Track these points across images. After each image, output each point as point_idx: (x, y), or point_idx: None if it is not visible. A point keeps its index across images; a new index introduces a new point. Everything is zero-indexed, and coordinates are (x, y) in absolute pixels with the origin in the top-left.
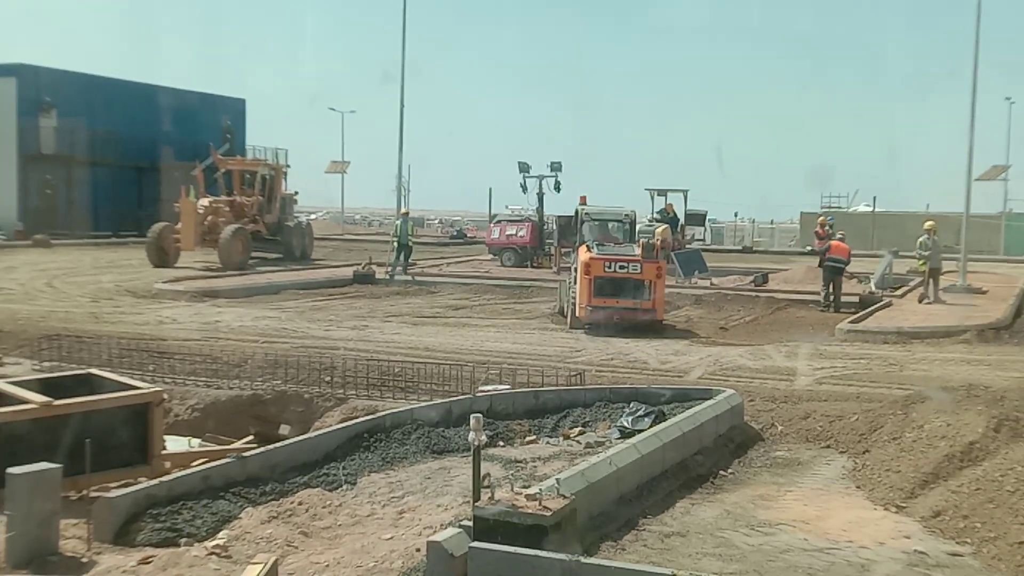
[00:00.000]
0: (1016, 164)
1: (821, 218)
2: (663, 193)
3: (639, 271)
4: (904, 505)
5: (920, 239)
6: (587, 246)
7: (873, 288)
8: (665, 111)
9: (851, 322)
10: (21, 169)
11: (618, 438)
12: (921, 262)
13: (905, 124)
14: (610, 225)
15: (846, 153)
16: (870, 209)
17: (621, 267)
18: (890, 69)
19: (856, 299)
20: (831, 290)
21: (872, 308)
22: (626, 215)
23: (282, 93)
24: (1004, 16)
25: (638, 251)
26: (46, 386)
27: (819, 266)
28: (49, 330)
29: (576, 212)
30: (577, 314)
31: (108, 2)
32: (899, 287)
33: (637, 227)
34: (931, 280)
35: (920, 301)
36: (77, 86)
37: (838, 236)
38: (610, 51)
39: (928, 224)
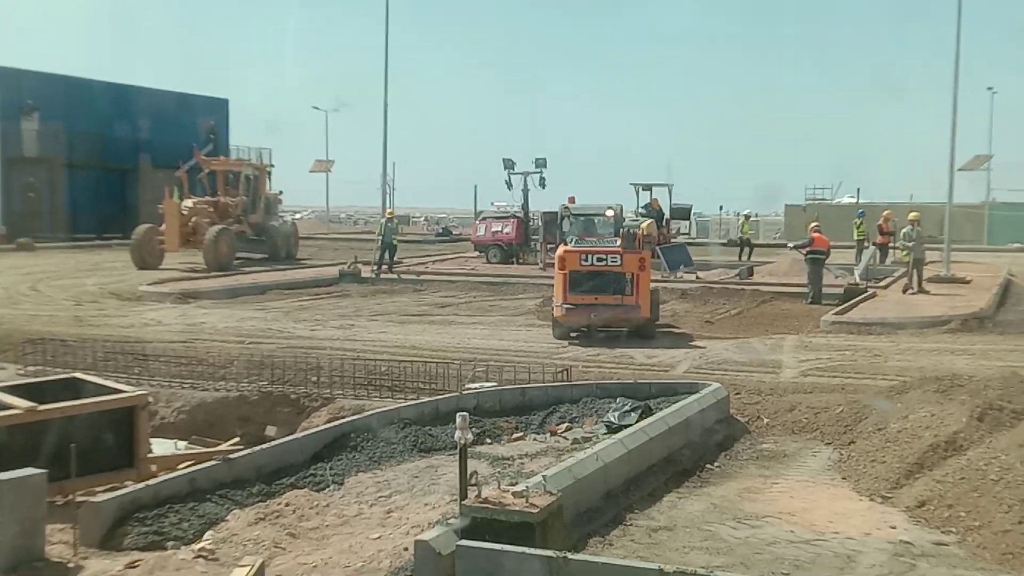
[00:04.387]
0: (998, 154)
1: (887, 212)
2: (648, 188)
3: (619, 263)
4: (889, 495)
5: (904, 230)
6: (564, 241)
7: (857, 279)
8: (651, 106)
9: (836, 314)
10: (4, 172)
11: (605, 433)
12: (905, 253)
13: (889, 115)
14: (596, 220)
15: (830, 145)
16: (854, 200)
17: (599, 259)
18: (873, 61)
19: (840, 291)
20: (815, 282)
21: (856, 299)
22: (610, 208)
23: (266, 92)
24: (988, 6)
25: (620, 243)
26: (30, 391)
27: (806, 260)
28: (33, 334)
29: (559, 210)
30: (555, 314)
31: (90, 4)
32: (883, 278)
33: (625, 222)
34: (915, 271)
35: (904, 292)
36: (59, 88)
37: (813, 226)
38: (595, 48)
39: (912, 215)
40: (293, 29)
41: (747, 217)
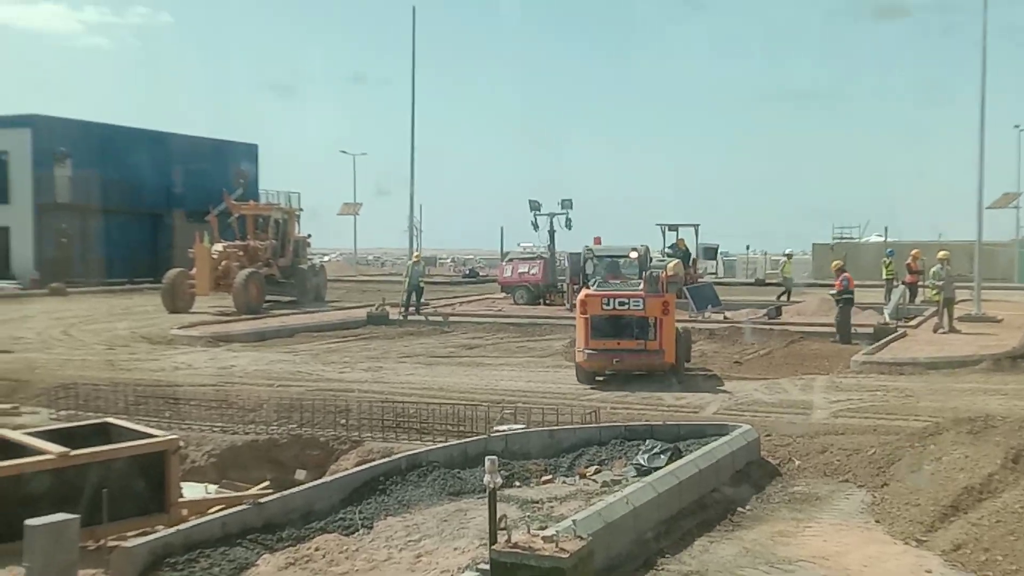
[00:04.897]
0: None
1: (915, 251)
2: (674, 228)
3: (641, 307)
4: (924, 539)
5: (933, 269)
6: (587, 284)
7: (887, 319)
8: (677, 147)
9: (866, 353)
10: (36, 218)
11: (634, 476)
12: (935, 292)
13: (917, 154)
14: (621, 262)
15: (858, 183)
16: (882, 239)
17: (621, 303)
18: (899, 101)
19: (871, 330)
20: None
21: (887, 339)
22: (634, 249)
23: (295, 137)
24: (1014, 43)
25: (642, 287)
26: (63, 436)
27: (837, 302)
28: (65, 379)
29: (583, 252)
30: (576, 359)
31: (121, 52)
32: (913, 317)
33: (652, 262)
34: (945, 310)
35: (935, 331)
36: (91, 135)
37: (840, 265)
38: (621, 90)
39: (941, 254)
40: (322, 71)
41: (789, 256)
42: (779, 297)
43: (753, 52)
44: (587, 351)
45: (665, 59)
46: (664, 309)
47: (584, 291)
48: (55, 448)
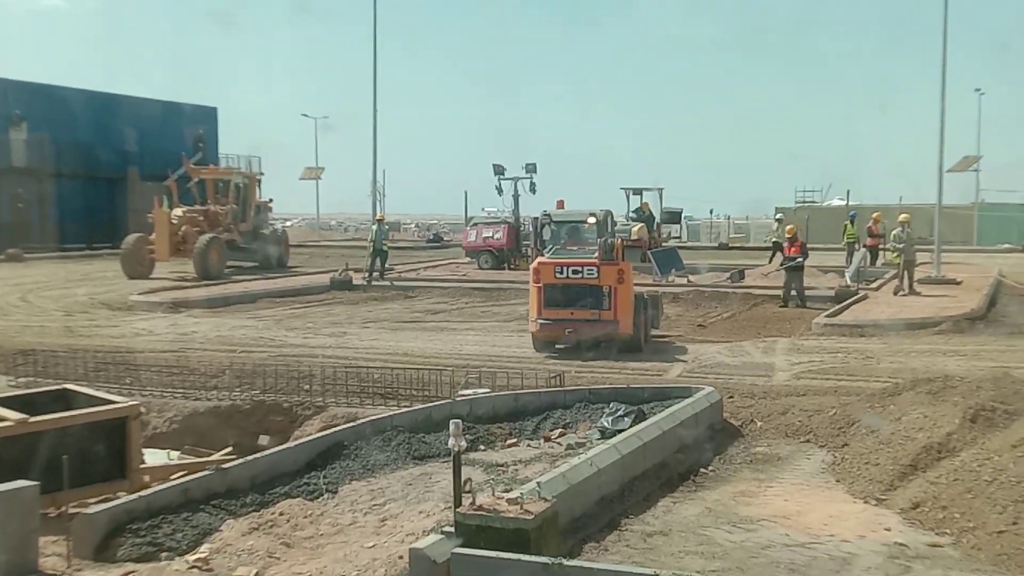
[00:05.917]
0: (987, 155)
1: (876, 214)
2: (638, 192)
3: (595, 276)
4: (883, 497)
5: (894, 231)
6: (541, 251)
7: (848, 282)
8: (641, 111)
9: (828, 316)
10: None
11: (599, 439)
12: (895, 254)
13: (878, 117)
14: (581, 228)
15: (819, 147)
16: (844, 202)
17: (575, 272)
18: (861, 64)
19: (831, 293)
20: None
21: (848, 302)
22: (592, 215)
23: (256, 100)
24: (974, 8)
25: (597, 254)
26: (21, 403)
27: (784, 265)
28: (24, 345)
29: (540, 217)
30: (530, 330)
31: (79, 14)
32: (873, 280)
33: (617, 226)
34: (906, 272)
35: (895, 293)
36: (47, 98)
37: (794, 229)
38: (585, 54)
39: (902, 216)
40: (283, 37)
41: (780, 221)
42: (771, 260)
43: (721, 15)
44: (540, 320)
45: (631, 21)
46: (619, 277)
47: (537, 259)
48: (13, 415)
